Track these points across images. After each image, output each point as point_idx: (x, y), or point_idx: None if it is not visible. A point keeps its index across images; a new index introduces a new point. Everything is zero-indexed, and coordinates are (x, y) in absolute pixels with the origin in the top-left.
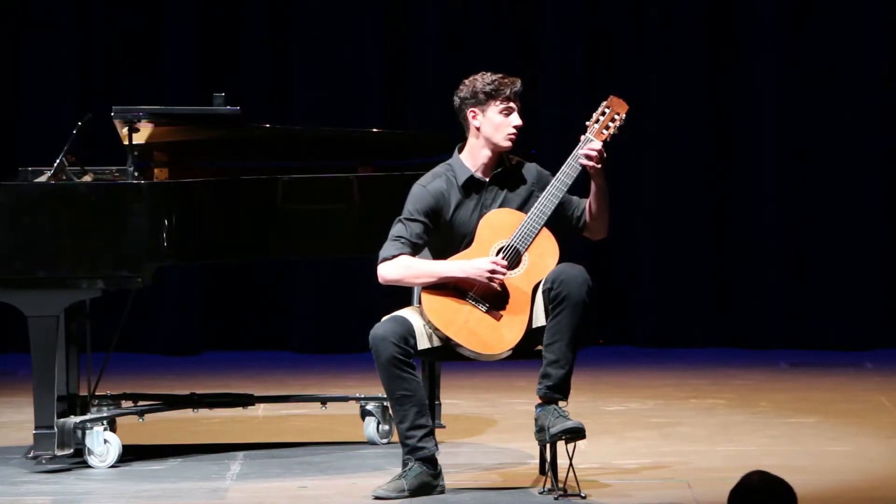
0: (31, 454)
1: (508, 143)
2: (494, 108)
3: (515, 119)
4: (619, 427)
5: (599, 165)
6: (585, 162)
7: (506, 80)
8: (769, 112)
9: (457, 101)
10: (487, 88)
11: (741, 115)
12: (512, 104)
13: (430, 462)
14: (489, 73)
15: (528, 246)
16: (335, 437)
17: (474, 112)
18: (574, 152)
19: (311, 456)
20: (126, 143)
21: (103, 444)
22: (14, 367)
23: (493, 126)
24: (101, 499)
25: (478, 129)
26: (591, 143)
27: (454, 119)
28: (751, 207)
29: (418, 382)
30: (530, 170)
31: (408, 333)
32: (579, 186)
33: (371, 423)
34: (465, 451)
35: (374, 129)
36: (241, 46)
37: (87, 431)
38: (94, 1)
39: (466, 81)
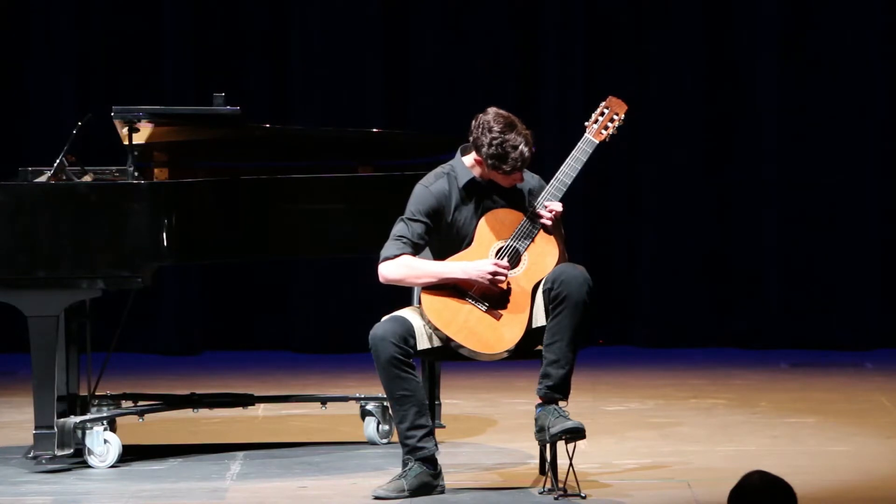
0: (31, 454)
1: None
2: (495, 172)
3: (514, 181)
4: (619, 427)
5: (550, 223)
6: (544, 222)
7: (510, 151)
8: (769, 112)
9: (470, 136)
10: (490, 162)
11: (741, 114)
12: (511, 172)
13: (430, 462)
14: (500, 137)
15: (528, 246)
16: (335, 437)
17: (480, 161)
18: (573, 152)
19: (311, 456)
20: (126, 143)
21: (103, 444)
22: (14, 367)
23: (494, 177)
24: (101, 499)
25: (481, 167)
26: (553, 204)
27: (454, 119)
28: (751, 207)
29: (418, 382)
30: (530, 172)
31: (407, 333)
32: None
33: (371, 423)
34: (465, 451)
35: (374, 129)
36: (240, 47)
37: (87, 431)
38: (95, 2)
39: (482, 127)
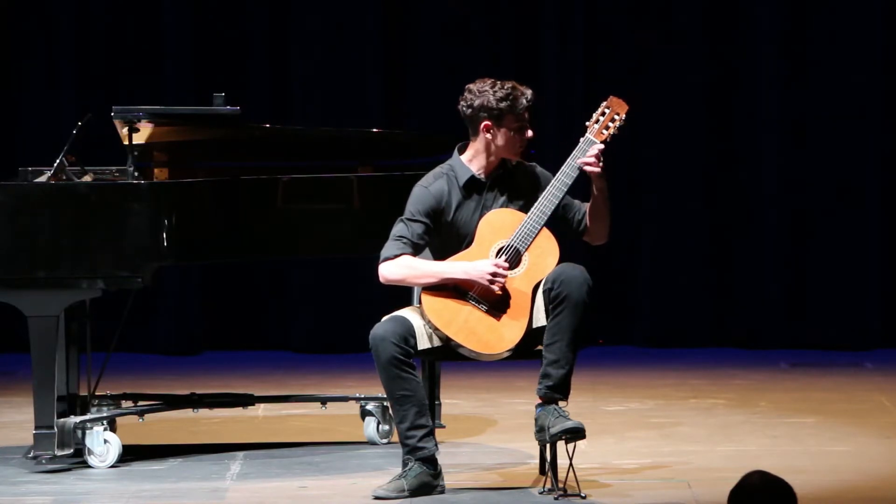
0: (31, 454)
1: (517, 155)
2: (509, 124)
3: (528, 132)
4: (619, 427)
5: (599, 169)
6: (589, 168)
7: (518, 93)
8: (769, 112)
9: (468, 109)
10: (503, 105)
11: (741, 114)
12: (526, 117)
13: (430, 462)
14: (499, 83)
15: (529, 246)
16: (335, 437)
17: (488, 125)
18: (574, 153)
19: (311, 456)
20: (126, 143)
21: (103, 444)
22: (14, 367)
23: (506, 141)
24: (101, 499)
25: (489, 140)
26: (592, 147)
27: (453, 119)
28: (751, 207)
29: (418, 382)
30: (530, 170)
31: (408, 333)
32: (580, 188)
33: (371, 423)
34: (465, 451)
35: (374, 129)
36: (241, 46)
37: (87, 431)
38: (95, 1)
39: (476, 90)
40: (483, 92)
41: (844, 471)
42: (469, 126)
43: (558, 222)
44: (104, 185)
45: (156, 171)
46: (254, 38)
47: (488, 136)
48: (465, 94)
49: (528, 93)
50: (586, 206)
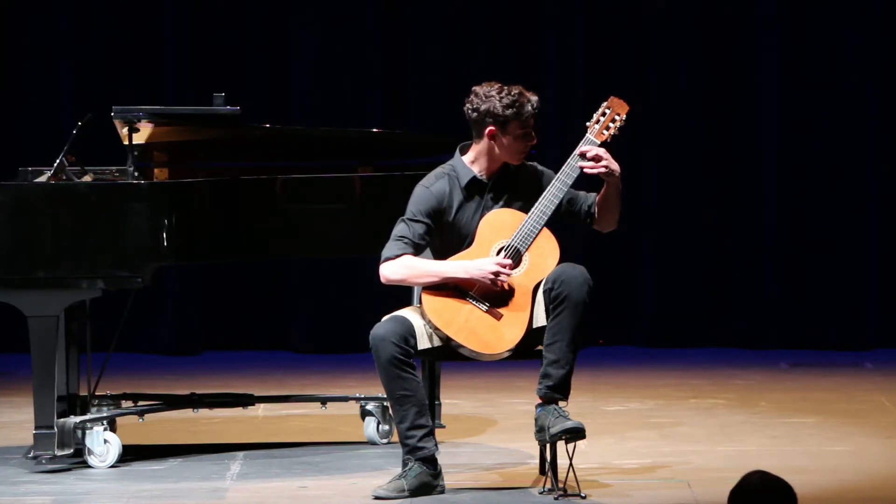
0: (31, 454)
1: (520, 160)
2: (514, 130)
3: (532, 139)
4: (619, 427)
5: (603, 169)
6: (585, 165)
7: (525, 99)
8: (769, 113)
9: (473, 113)
10: (509, 112)
11: (741, 115)
12: (531, 124)
13: (430, 462)
14: (505, 88)
15: (529, 246)
16: (335, 437)
17: (493, 130)
18: (574, 153)
19: (311, 456)
20: (126, 143)
21: (103, 444)
22: (14, 367)
23: (510, 146)
24: (101, 499)
25: (493, 145)
26: (586, 146)
27: (453, 119)
28: (751, 207)
29: (418, 382)
30: (531, 170)
31: (408, 333)
32: (591, 181)
33: (371, 423)
34: (465, 451)
35: (374, 129)
36: (240, 46)
37: (87, 431)
38: (95, 1)
39: (483, 94)
40: (490, 97)
41: (844, 471)
42: (473, 129)
43: (565, 216)
44: (104, 185)
45: (156, 171)
46: (254, 38)
47: (492, 141)
48: (472, 97)
49: (534, 99)
50: (593, 196)
